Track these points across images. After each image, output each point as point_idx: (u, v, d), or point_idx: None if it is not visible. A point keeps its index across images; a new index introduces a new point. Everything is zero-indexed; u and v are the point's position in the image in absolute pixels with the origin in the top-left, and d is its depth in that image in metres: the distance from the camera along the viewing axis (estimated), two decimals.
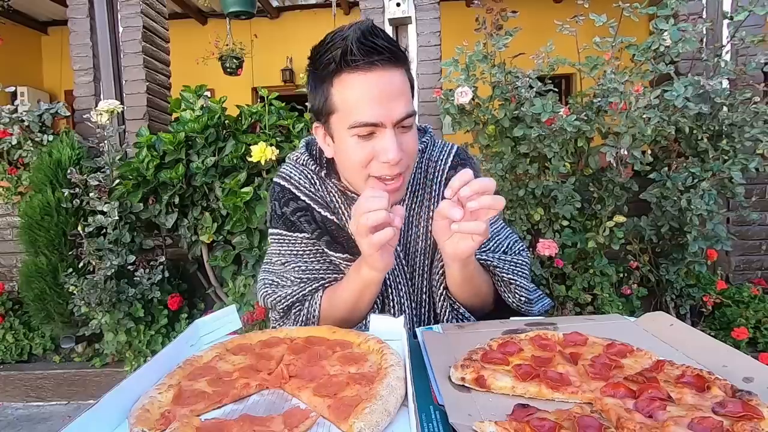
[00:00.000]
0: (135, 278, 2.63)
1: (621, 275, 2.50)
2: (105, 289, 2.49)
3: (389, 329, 0.72)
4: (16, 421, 2.59)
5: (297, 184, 0.95)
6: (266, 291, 0.96)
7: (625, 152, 2.15)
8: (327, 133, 0.87)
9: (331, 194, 0.94)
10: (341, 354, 0.64)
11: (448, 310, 0.94)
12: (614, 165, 2.23)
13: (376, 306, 0.95)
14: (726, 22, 2.65)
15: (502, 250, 0.96)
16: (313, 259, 0.95)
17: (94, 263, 2.56)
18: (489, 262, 0.90)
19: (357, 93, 0.78)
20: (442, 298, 0.93)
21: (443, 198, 0.78)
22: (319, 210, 0.93)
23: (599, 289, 2.38)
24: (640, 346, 0.61)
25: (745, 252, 2.77)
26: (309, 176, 0.95)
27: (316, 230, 0.93)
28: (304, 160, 0.96)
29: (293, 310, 0.94)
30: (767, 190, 2.75)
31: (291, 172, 0.96)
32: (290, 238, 0.95)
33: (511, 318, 0.88)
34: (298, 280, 0.95)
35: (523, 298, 0.91)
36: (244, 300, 2.55)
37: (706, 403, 0.48)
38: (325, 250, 0.93)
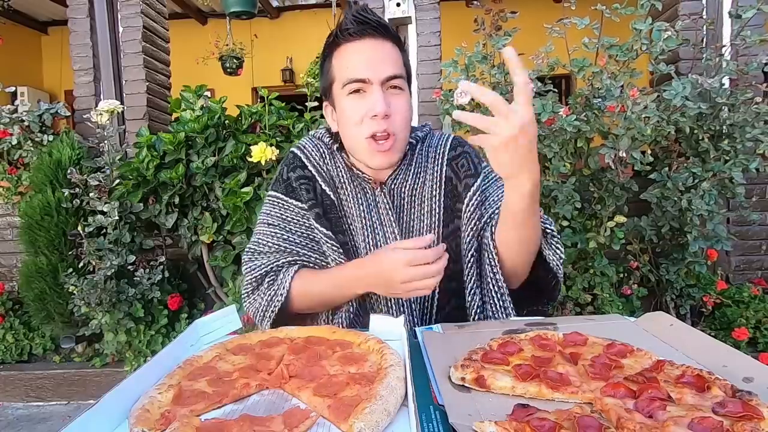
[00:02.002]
0: (135, 278, 2.63)
1: (621, 275, 2.50)
2: (105, 289, 2.49)
3: (389, 329, 0.72)
4: (16, 421, 2.59)
5: (308, 155, 1.02)
6: (245, 258, 1.01)
7: (624, 154, 2.15)
8: (332, 108, 0.96)
9: (338, 168, 1.00)
10: (341, 354, 0.64)
11: (476, 303, 0.91)
12: (613, 167, 2.23)
13: (368, 304, 0.95)
14: (727, 21, 2.65)
15: None
16: (297, 231, 0.99)
17: (94, 263, 2.55)
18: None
19: (349, 57, 0.89)
20: (471, 292, 0.91)
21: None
22: (321, 183, 0.99)
23: (599, 289, 2.38)
24: (640, 346, 0.61)
25: (745, 252, 2.77)
26: (321, 150, 1.02)
27: (311, 200, 0.97)
28: (320, 134, 1.03)
29: (266, 280, 0.96)
30: (767, 190, 2.75)
31: (306, 144, 1.04)
32: (285, 202, 1.00)
33: (511, 318, 0.88)
34: (276, 248, 0.98)
35: (560, 252, 0.89)
36: None
37: (706, 403, 0.48)
38: (313, 222, 0.96)
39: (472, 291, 0.92)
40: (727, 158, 2.25)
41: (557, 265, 0.89)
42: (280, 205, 1.01)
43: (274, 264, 0.96)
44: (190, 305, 2.93)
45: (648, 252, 2.49)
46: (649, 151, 2.46)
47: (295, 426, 0.48)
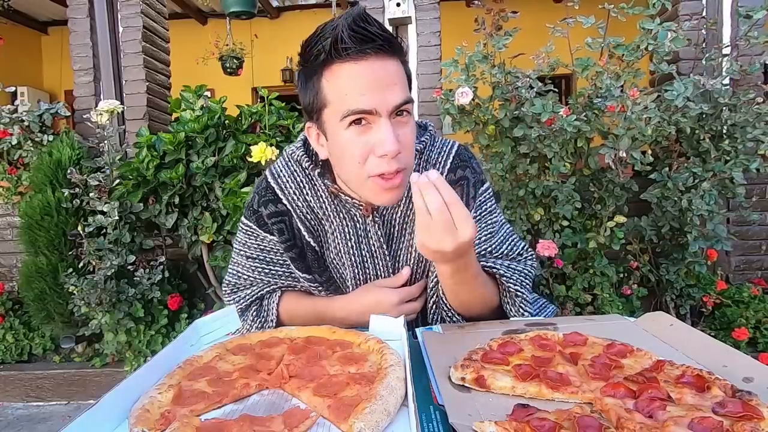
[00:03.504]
0: (135, 278, 2.63)
1: (621, 275, 2.50)
2: (105, 289, 2.49)
3: (389, 329, 0.72)
4: (16, 421, 2.59)
5: (283, 186, 0.90)
6: (226, 291, 0.99)
7: (624, 154, 2.15)
8: (320, 132, 0.81)
9: (321, 199, 0.89)
10: (341, 354, 0.64)
11: (438, 321, 0.90)
12: (613, 167, 2.23)
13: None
14: (728, 22, 2.65)
15: (512, 256, 0.92)
16: (278, 261, 0.95)
17: (94, 263, 2.55)
18: (496, 270, 0.85)
19: (349, 82, 0.73)
20: (433, 308, 0.90)
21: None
22: (297, 220, 0.90)
23: (599, 289, 2.38)
24: (640, 346, 0.61)
25: (745, 252, 2.77)
26: (298, 178, 0.90)
27: (288, 241, 0.91)
28: (298, 156, 0.90)
29: (251, 309, 0.95)
30: (767, 190, 2.75)
31: (281, 170, 0.92)
32: (259, 234, 0.93)
33: (511, 318, 0.87)
34: (259, 281, 0.96)
35: (526, 314, 0.87)
36: None
37: (706, 403, 0.48)
38: (290, 262, 0.93)
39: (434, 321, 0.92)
40: (728, 158, 2.25)
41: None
42: (255, 236, 0.94)
43: (257, 294, 0.96)
44: (190, 305, 2.93)
45: (648, 252, 2.49)
46: (650, 151, 2.46)
47: (295, 426, 0.48)
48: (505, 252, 0.91)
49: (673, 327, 0.68)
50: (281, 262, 0.94)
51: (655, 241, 2.43)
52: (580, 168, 2.41)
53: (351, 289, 0.92)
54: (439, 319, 0.90)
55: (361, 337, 0.69)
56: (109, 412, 0.51)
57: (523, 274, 0.88)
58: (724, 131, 2.30)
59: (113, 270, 2.51)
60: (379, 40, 0.73)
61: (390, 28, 2.91)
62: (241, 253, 0.96)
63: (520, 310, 0.86)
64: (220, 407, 0.55)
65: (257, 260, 0.95)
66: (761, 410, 0.44)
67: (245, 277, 0.97)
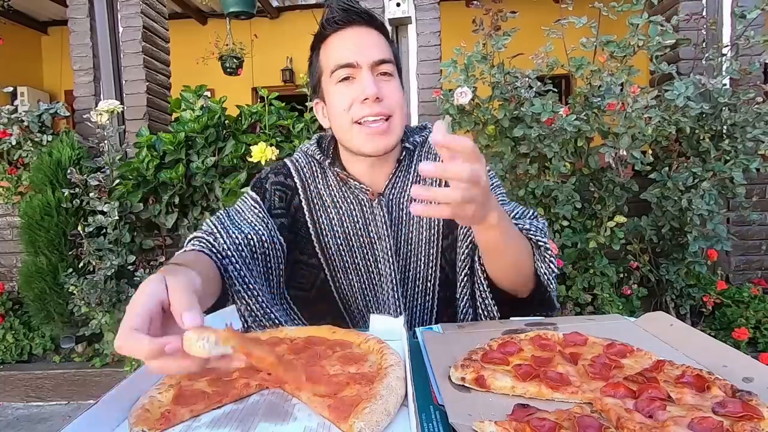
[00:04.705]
0: (135, 278, 2.63)
1: (621, 275, 2.50)
2: (105, 289, 2.49)
3: (389, 329, 0.72)
4: (16, 421, 2.59)
5: (299, 168, 0.98)
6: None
7: (624, 153, 2.15)
8: (323, 103, 0.93)
9: (330, 186, 0.96)
10: (341, 354, 0.64)
11: (469, 313, 0.88)
12: (613, 166, 2.23)
13: (365, 310, 0.94)
14: (727, 22, 2.65)
15: (519, 215, 0.89)
16: (242, 220, 0.88)
17: (94, 263, 2.56)
18: (520, 225, 0.83)
19: (336, 45, 0.87)
20: (464, 300, 0.89)
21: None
22: (303, 200, 0.95)
23: (599, 289, 2.38)
24: (640, 346, 0.61)
25: (745, 252, 2.77)
26: (313, 167, 0.98)
27: (282, 209, 0.93)
28: (312, 150, 0.99)
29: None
30: (767, 190, 2.75)
31: (299, 158, 1.01)
32: (251, 198, 0.92)
33: (511, 318, 0.87)
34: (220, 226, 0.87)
35: (553, 266, 0.84)
36: None
37: (706, 403, 0.48)
38: (274, 229, 0.88)
39: (464, 311, 0.90)
40: (728, 158, 2.26)
41: (548, 280, 0.85)
42: (245, 198, 0.94)
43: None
44: None
45: (648, 252, 2.49)
46: (650, 151, 2.46)
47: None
48: (518, 215, 0.89)
49: (673, 327, 0.68)
50: (247, 221, 0.88)
51: (655, 241, 2.43)
52: (580, 168, 2.41)
53: (357, 275, 0.94)
54: (469, 308, 0.88)
55: (361, 337, 0.69)
56: (109, 412, 0.51)
57: (540, 228, 0.85)
58: (724, 131, 2.30)
59: (113, 270, 2.51)
60: (362, 13, 0.87)
61: (390, 28, 2.91)
62: (224, 212, 0.92)
63: (551, 266, 0.84)
64: (220, 407, 0.55)
65: (226, 215, 0.90)
66: (761, 410, 0.44)
67: (212, 224, 0.88)
